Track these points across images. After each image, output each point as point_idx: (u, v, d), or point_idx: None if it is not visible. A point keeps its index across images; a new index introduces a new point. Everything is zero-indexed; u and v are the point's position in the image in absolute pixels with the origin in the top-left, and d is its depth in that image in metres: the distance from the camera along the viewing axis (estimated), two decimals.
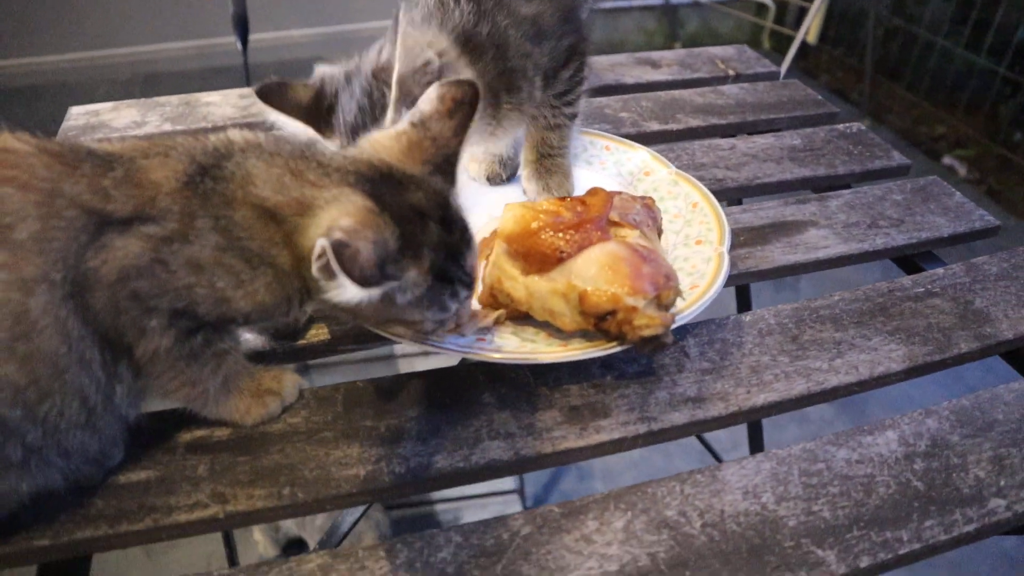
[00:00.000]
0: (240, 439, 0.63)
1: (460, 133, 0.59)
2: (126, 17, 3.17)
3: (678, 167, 0.95)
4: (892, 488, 0.60)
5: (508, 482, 1.75)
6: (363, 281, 0.47)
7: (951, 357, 0.72)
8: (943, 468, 0.62)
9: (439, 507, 1.73)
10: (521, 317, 0.68)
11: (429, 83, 0.62)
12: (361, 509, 0.99)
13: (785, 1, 3.39)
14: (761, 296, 1.39)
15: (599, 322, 0.62)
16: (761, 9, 3.59)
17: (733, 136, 1.04)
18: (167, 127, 1.02)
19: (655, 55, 1.24)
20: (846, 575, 0.55)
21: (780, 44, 3.54)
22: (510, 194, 0.89)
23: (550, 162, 0.86)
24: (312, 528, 1.39)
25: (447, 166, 0.58)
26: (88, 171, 0.51)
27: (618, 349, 0.64)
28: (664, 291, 0.62)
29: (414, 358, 1.78)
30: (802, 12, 2.62)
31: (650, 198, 0.76)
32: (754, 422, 1.19)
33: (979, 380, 0.71)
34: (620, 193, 0.73)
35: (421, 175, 0.56)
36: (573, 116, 0.87)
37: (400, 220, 0.52)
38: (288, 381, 0.65)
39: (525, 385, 0.67)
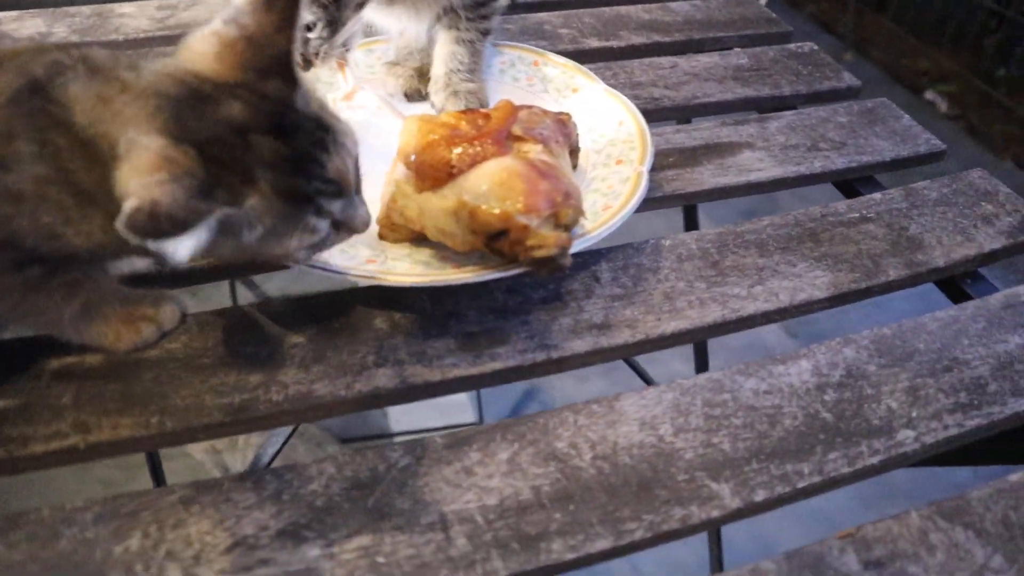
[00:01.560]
0: (112, 366, 0.58)
1: (285, 26, 0.50)
2: None
3: (615, 85, 0.89)
4: (799, 420, 0.57)
5: (469, 414, 1.73)
6: (169, 231, 0.42)
7: (878, 284, 0.68)
8: (855, 399, 0.59)
9: (397, 442, 1.71)
10: (417, 238, 0.63)
11: None
12: (282, 438, 0.96)
13: None
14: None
15: (490, 241, 0.57)
16: None
17: (679, 55, 0.98)
18: (74, 39, 0.95)
19: None
20: (740, 509, 0.52)
21: None
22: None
23: (458, 76, 0.81)
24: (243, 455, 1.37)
25: (279, 67, 0.50)
26: None
27: (512, 272, 0.59)
28: (562, 209, 0.57)
29: None
30: None
31: (566, 114, 0.70)
32: (700, 345, 1.15)
33: (914, 310, 0.68)
34: (531, 107, 0.67)
35: (241, 82, 0.49)
36: (486, 32, 0.82)
37: (209, 143, 0.46)
38: (167, 307, 0.60)
39: (421, 310, 0.63)
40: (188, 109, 0.47)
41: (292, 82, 0.51)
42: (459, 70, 0.80)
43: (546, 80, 0.84)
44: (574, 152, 0.71)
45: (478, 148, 0.59)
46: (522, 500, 0.51)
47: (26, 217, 0.47)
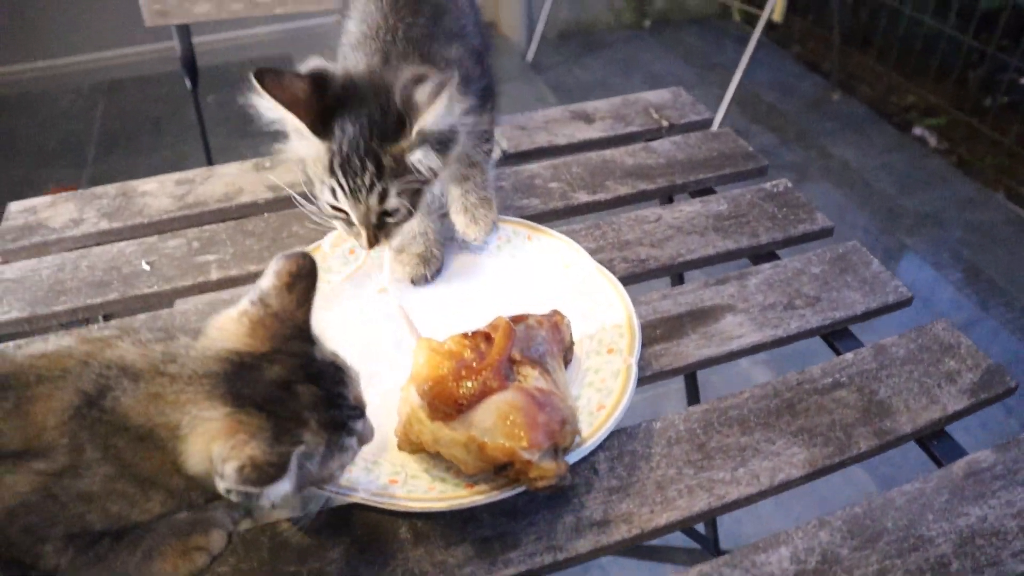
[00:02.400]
0: None
1: (304, 303, 0.61)
2: (84, 23, 3.12)
3: (604, 245, 0.97)
4: None
5: None
6: (275, 476, 0.51)
7: (850, 457, 0.75)
8: None
9: None
10: (432, 453, 0.71)
11: None
12: None
13: None
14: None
15: (499, 470, 0.65)
16: None
17: (664, 202, 1.06)
18: (104, 225, 1.04)
19: (589, 107, 1.25)
20: None
21: (751, 19, 3.48)
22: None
23: (475, 196, 0.92)
24: None
25: (300, 332, 0.60)
26: None
27: (519, 490, 0.67)
28: (559, 438, 0.65)
29: None
30: None
31: (559, 315, 0.78)
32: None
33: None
34: (526, 318, 0.75)
35: (273, 349, 0.58)
36: (490, 151, 0.93)
37: (266, 402, 0.55)
38: (215, 533, 0.68)
39: (440, 516, 0.70)
40: (238, 379, 0.56)
41: (310, 340, 0.61)
42: (474, 190, 0.92)
43: (542, 252, 0.92)
44: (569, 349, 0.78)
45: (482, 383, 0.66)
46: None
47: (97, 511, 0.55)
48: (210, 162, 2.06)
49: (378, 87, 0.76)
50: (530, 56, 3.39)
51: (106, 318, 0.93)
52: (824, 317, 0.89)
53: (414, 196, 0.79)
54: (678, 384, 1.32)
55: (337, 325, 0.85)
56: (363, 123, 0.74)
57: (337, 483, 0.67)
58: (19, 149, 2.95)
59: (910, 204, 2.68)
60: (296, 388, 0.57)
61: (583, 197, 1.06)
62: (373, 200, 0.77)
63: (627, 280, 0.94)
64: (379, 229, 0.80)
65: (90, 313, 0.92)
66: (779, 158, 3.12)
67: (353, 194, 0.76)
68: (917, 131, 2.96)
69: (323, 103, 0.75)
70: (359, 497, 0.67)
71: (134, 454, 0.55)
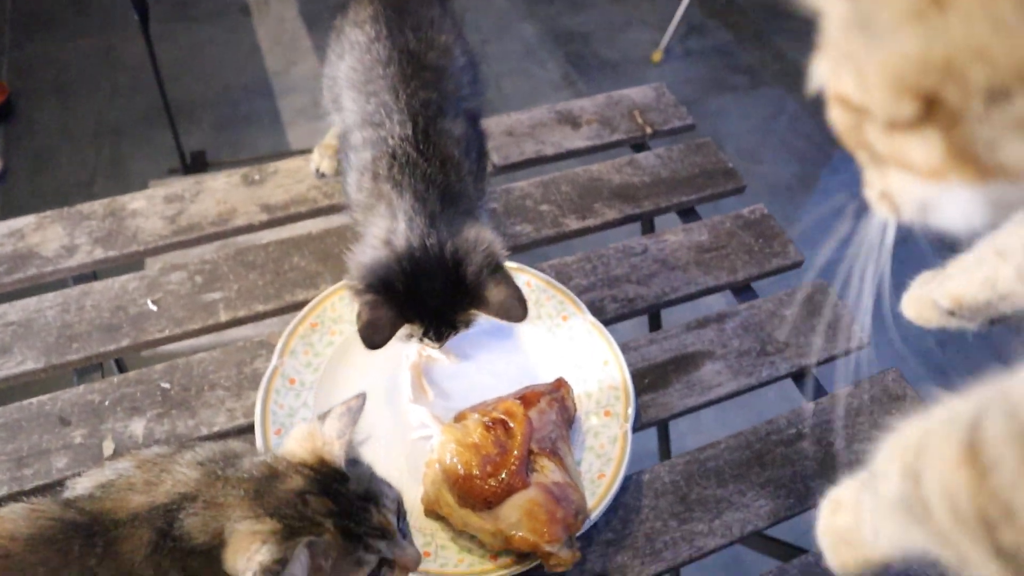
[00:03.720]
0: None
1: (342, 434, 0.67)
2: None
3: (595, 282, 1.04)
4: None
5: None
6: (279, 571, 0.58)
7: (807, 507, 0.89)
8: None
9: None
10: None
11: None
12: None
13: None
14: None
15: (520, 555, 0.76)
16: None
17: (647, 236, 1.11)
18: (99, 252, 1.03)
19: (575, 107, 1.26)
20: None
21: None
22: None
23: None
24: None
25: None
26: (77, 552, 0.59)
27: (537, 562, 0.78)
28: (574, 529, 0.76)
29: None
30: None
31: (564, 387, 0.86)
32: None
33: None
34: (537, 400, 0.83)
35: (308, 463, 0.65)
36: (483, 192, 0.95)
37: (277, 509, 0.62)
38: None
39: None
40: (265, 487, 0.64)
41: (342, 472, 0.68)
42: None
43: (539, 305, 0.98)
44: (572, 417, 0.87)
45: (507, 483, 0.75)
46: None
47: None
48: (153, 59, 1.91)
49: (443, 266, 0.81)
50: None
51: (118, 363, 0.96)
52: (792, 364, 0.99)
53: None
54: None
55: (356, 378, 0.91)
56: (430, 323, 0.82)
57: None
58: None
59: None
60: (308, 498, 0.64)
61: (573, 224, 1.11)
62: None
63: (615, 320, 1.02)
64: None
65: (103, 359, 0.95)
66: (735, 59, 3.13)
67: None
68: None
69: (400, 300, 0.80)
70: None
71: (202, 567, 0.63)
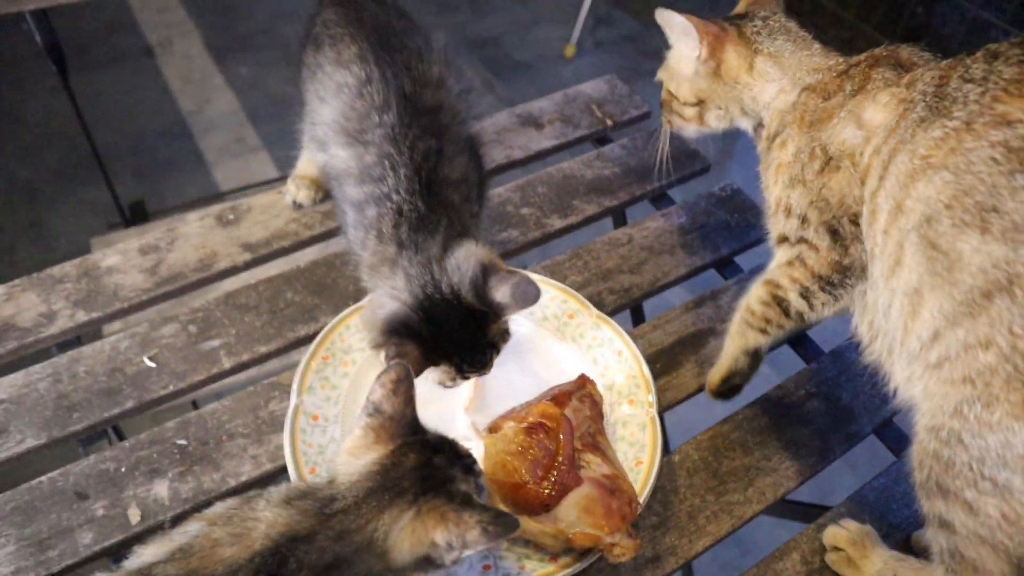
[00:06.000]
0: None
1: (410, 402, 0.69)
2: None
3: (589, 278, 1.06)
4: None
5: None
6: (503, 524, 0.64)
7: (829, 461, 0.93)
8: None
9: None
10: None
11: None
12: None
13: None
14: None
15: (583, 551, 0.77)
16: None
17: (629, 227, 1.14)
18: (81, 316, 0.99)
19: (535, 108, 1.28)
20: None
21: None
22: None
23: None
24: None
25: (412, 424, 0.69)
26: None
27: (596, 556, 0.79)
28: (631, 518, 0.77)
29: None
30: None
31: (589, 383, 0.88)
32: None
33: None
34: (568, 399, 0.84)
35: (398, 447, 0.67)
36: (480, 214, 0.95)
37: (425, 484, 0.65)
38: None
39: None
40: (395, 480, 0.65)
41: (421, 429, 0.70)
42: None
43: (544, 307, 1.00)
44: (601, 411, 0.89)
45: (560, 484, 0.76)
46: None
47: None
48: (77, 110, 1.80)
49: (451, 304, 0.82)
50: None
51: (116, 430, 0.92)
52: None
53: None
54: None
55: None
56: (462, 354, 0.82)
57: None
58: None
59: None
60: (434, 461, 0.67)
61: (556, 223, 1.13)
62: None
63: (616, 311, 1.04)
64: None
65: (108, 424, 0.91)
66: (645, 44, 3.22)
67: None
68: None
69: (425, 345, 0.80)
70: None
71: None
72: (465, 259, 0.81)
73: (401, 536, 0.62)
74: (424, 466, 0.66)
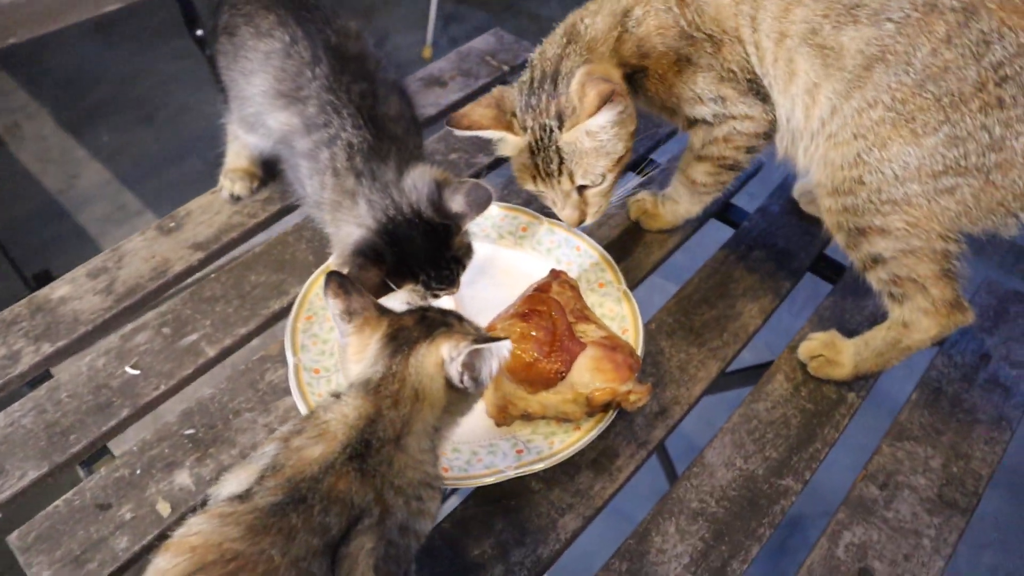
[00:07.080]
0: None
1: (366, 292, 0.74)
2: None
3: (528, 198, 1.13)
4: None
5: None
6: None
7: (783, 296, 1.04)
8: None
9: None
10: (524, 417, 0.86)
11: None
12: None
13: None
14: None
15: (602, 407, 0.84)
16: None
17: None
18: (46, 347, 0.96)
19: (435, 70, 1.34)
20: None
21: None
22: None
23: None
24: None
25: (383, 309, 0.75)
26: (297, 520, 0.58)
27: (614, 415, 0.86)
28: (636, 367, 0.84)
29: None
30: None
31: (563, 272, 0.94)
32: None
33: None
34: (549, 287, 0.90)
35: (389, 323, 0.72)
36: (421, 145, 1.00)
37: (427, 326, 0.71)
38: None
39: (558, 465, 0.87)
40: (403, 341, 0.70)
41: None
42: None
43: (498, 227, 1.06)
44: (578, 289, 0.95)
45: (568, 352, 0.82)
46: None
47: (413, 537, 0.65)
48: None
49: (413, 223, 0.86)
50: None
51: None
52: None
53: None
54: None
55: None
56: (429, 272, 0.87)
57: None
58: None
59: None
60: (428, 315, 0.73)
61: (484, 159, 1.19)
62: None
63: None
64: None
65: (109, 437, 0.90)
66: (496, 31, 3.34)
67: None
68: None
69: (389, 267, 0.84)
70: (508, 475, 0.81)
71: (414, 470, 0.65)
72: (420, 177, 0.86)
73: (425, 364, 0.68)
74: (422, 320, 0.72)
